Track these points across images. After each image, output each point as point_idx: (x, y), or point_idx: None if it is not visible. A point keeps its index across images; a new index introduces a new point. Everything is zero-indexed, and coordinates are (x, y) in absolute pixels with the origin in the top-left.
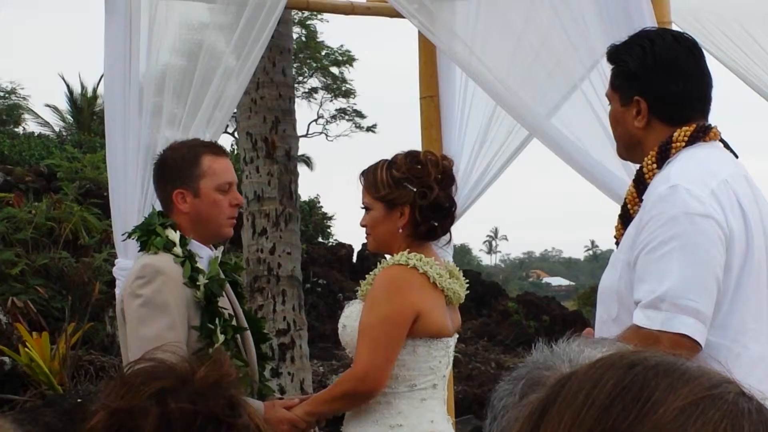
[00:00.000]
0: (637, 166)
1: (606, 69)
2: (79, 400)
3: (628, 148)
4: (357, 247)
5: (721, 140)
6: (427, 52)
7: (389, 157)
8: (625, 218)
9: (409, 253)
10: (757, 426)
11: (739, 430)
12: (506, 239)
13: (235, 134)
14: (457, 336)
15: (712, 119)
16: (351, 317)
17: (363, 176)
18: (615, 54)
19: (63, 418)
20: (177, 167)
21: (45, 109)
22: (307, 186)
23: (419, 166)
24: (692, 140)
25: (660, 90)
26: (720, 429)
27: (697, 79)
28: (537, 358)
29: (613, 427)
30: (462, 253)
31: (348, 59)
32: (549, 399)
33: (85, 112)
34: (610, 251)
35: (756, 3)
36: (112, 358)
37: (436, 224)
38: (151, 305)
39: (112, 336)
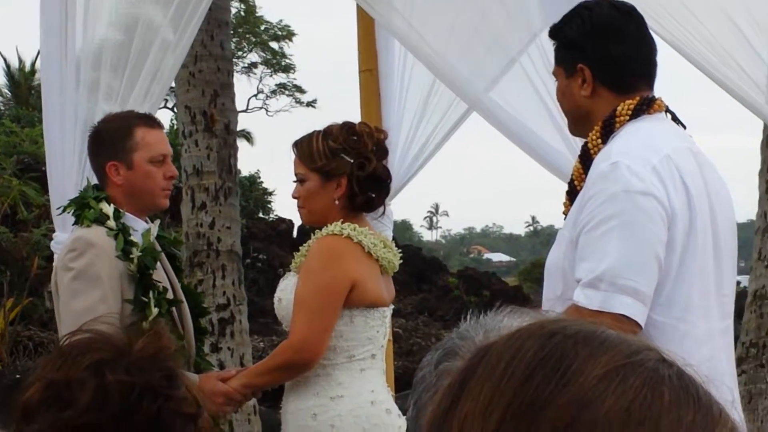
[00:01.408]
0: (580, 142)
1: (545, 44)
2: (17, 376)
3: (577, 122)
4: (297, 222)
5: (668, 111)
6: (366, 25)
7: (323, 128)
8: (572, 194)
9: (343, 223)
10: (678, 392)
11: (659, 396)
12: (447, 215)
13: (175, 109)
14: (392, 306)
15: (662, 95)
16: (286, 290)
17: (296, 147)
18: (555, 29)
19: (2, 394)
20: (110, 139)
21: None
22: (247, 161)
23: (355, 137)
24: (636, 113)
25: (601, 53)
26: (640, 395)
27: (638, 42)
28: (461, 328)
29: (533, 398)
30: (403, 229)
31: (287, 34)
32: (468, 370)
33: (23, 86)
34: (551, 227)
35: None
36: (51, 334)
37: (373, 195)
38: (82, 278)
39: (51, 311)
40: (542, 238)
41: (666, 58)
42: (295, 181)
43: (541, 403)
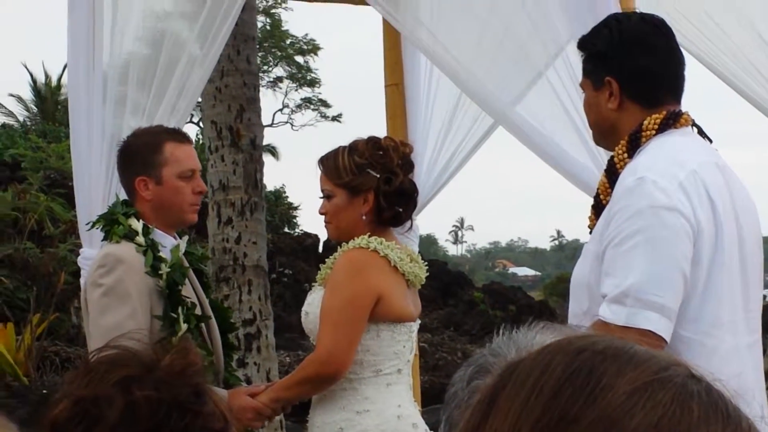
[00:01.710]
0: (608, 155)
1: (571, 57)
2: (44, 392)
3: (603, 134)
4: (323, 237)
5: (695, 125)
6: (392, 39)
7: (348, 143)
8: (598, 208)
9: (370, 236)
10: (707, 407)
11: (688, 412)
12: (472, 229)
13: (200, 123)
14: (419, 321)
15: (689, 110)
16: (313, 304)
17: (322, 163)
18: (583, 41)
19: (29, 409)
20: (139, 154)
21: (9, 98)
22: (272, 176)
23: (381, 152)
24: (663, 128)
25: (629, 66)
26: (669, 412)
27: (666, 55)
28: (493, 344)
29: (562, 413)
30: (428, 244)
31: (313, 48)
32: (498, 386)
33: (49, 101)
34: (576, 241)
35: None
36: (78, 349)
37: (400, 210)
38: (112, 294)
39: (77, 327)
40: (567, 252)
41: (693, 72)
42: (321, 197)
43: (569, 419)
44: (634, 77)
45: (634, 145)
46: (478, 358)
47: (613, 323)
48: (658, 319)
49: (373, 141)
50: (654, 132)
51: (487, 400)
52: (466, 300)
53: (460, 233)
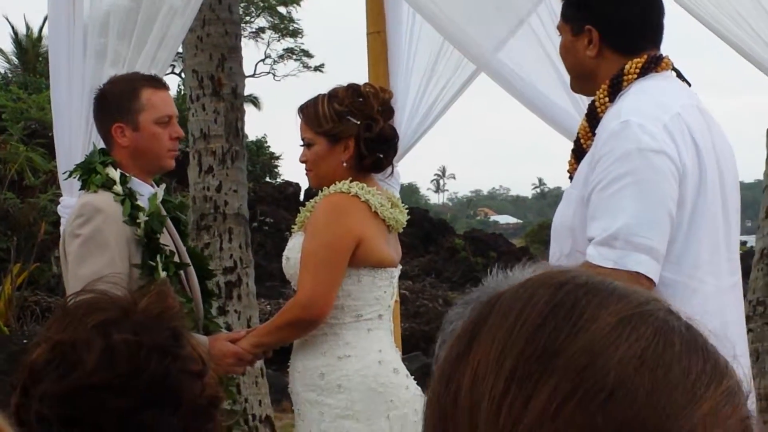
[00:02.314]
0: (588, 100)
1: (553, 3)
2: (24, 341)
3: (580, 80)
4: (304, 186)
5: (674, 69)
6: None
7: (327, 91)
8: (578, 153)
9: (351, 182)
10: (688, 342)
11: (671, 345)
12: (454, 178)
13: (182, 74)
14: (400, 267)
15: (668, 54)
16: (294, 249)
17: (302, 111)
18: None
19: (9, 359)
20: (115, 101)
21: None
22: (254, 126)
23: (361, 99)
24: (644, 71)
25: (610, 16)
26: (652, 344)
27: (647, 5)
28: (489, 283)
29: (545, 346)
30: (409, 192)
31: None
32: (479, 319)
33: (30, 53)
34: (558, 189)
35: None
36: (59, 299)
37: (381, 156)
38: (90, 243)
39: (58, 276)
40: (549, 200)
41: (674, 19)
42: (302, 146)
43: (553, 350)
44: (614, 27)
45: (615, 90)
46: (479, 296)
47: (602, 266)
48: (648, 261)
49: (352, 88)
50: (635, 76)
51: (469, 334)
52: (447, 247)
53: (441, 182)
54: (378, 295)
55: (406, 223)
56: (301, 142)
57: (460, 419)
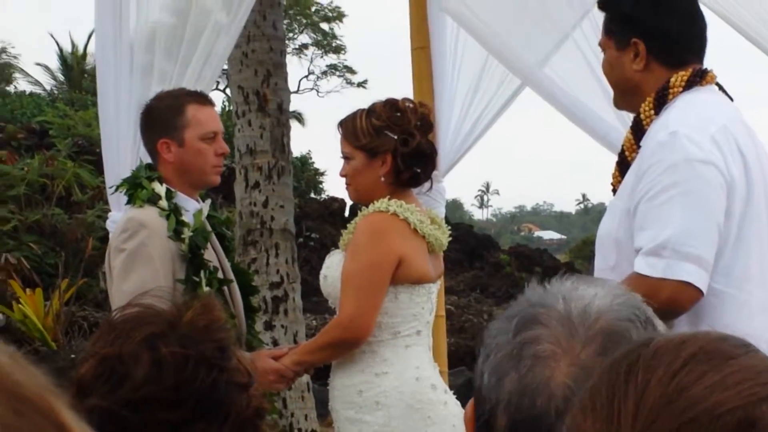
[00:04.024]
0: (632, 115)
1: (597, 17)
2: (72, 356)
3: (625, 95)
4: (349, 202)
5: (717, 84)
6: (418, 2)
7: (366, 106)
8: (623, 165)
9: (389, 200)
10: None
11: None
12: (498, 193)
13: (227, 91)
14: (439, 283)
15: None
16: (332, 267)
17: (341, 126)
18: (606, 1)
19: (58, 374)
20: (162, 117)
21: (36, 68)
22: (299, 142)
23: (398, 114)
24: (689, 85)
25: (657, 29)
26: None
27: (692, 18)
28: (530, 296)
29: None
30: (454, 208)
31: (338, 15)
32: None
33: (76, 70)
34: (602, 204)
35: None
36: (106, 314)
37: (418, 171)
38: (134, 258)
39: (105, 292)
40: (593, 215)
41: (714, 31)
42: (341, 158)
43: None
44: (660, 39)
45: (660, 102)
46: (522, 309)
47: (650, 275)
48: (696, 270)
49: (390, 103)
50: (681, 89)
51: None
52: (492, 263)
53: (485, 197)
54: (416, 312)
55: (447, 244)
56: (341, 156)
57: None
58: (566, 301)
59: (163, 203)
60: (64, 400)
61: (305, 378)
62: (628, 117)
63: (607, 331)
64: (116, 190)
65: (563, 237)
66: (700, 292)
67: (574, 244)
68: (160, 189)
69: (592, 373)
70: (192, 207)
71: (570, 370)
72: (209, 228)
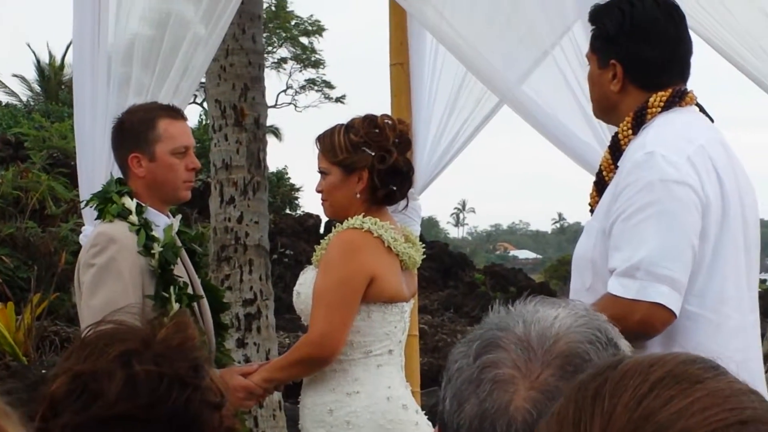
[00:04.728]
0: (611, 133)
1: (577, 36)
2: (44, 371)
3: (603, 110)
4: (325, 218)
5: (697, 105)
6: (398, 18)
7: (346, 121)
8: (600, 185)
9: (364, 217)
10: None
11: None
12: (474, 212)
13: (204, 104)
14: (412, 301)
15: (693, 90)
16: (305, 284)
17: (319, 141)
18: (595, 15)
19: (28, 390)
20: (133, 131)
21: (12, 79)
22: (275, 157)
23: (377, 130)
24: (668, 105)
25: (635, 55)
26: None
27: (675, 45)
28: (492, 319)
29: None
30: (429, 226)
31: (317, 29)
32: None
33: (53, 81)
34: (578, 224)
35: None
36: (78, 329)
37: (394, 188)
38: (103, 273)
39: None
40: (569, 235)
41: (698, 52)
42: (318, 173)
43: None
44: (639, 65)
45: (639, 122)
46: (483, 332)
47: (623, 297)
48: (669, 292)
49: (369, 119)
50: (659, 109)
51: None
52: (467, 282)
53: (461, 216)
54: (388, 331)
55: (420, 262)
56: (318, 171)
57: None
58: (526, 324)
59: (134, 218)
60: (14, 419)
61: (277, 396)
62: (606, 136)
63: (566, 353)
64: (86, 204)
65: (539, 256)
66: (672, 314)
67: (550, 264)
68: (131, 204)
69: (552, 396)
70: (162, 222)
71: (529, 394)
72: (179, 243)
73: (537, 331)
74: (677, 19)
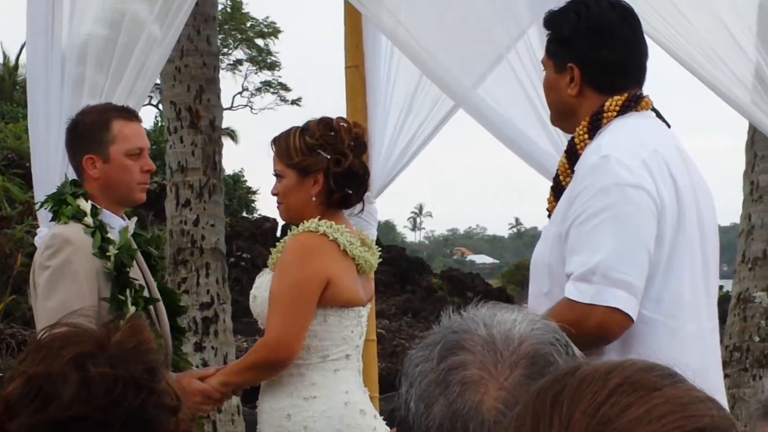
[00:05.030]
0: (567, 137)
1: (532, 40)
2: (0, 375)
3: (560, 116)
4: (281, 221)
5: (653, 109)
6: (353, 20)
7: (301, 124)
8: (557, 190)
9: (319, 220)
10: None
11: None
12: (431, 216)
13: (160, 106)
14: (369, 306)
15: (649, 94)
16: (261, 288)
17: (274, 143)
18: (550, 20)
19: None
20: (87, 132)
21: None
22: (231, 160)
23: (332, 133)
24: (624, 110)
25: (592, 57)
26: None
27: (631, 47)
28: (449, 323)
29: None
30: (386, 230)
31: (273, 31)
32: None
33: (7, 81)
34: (535, 229)
35: None
36: (34, 332)
37: (350, 192)
38: (58, 275)
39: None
40: (526, 239)
41: (651, 57)
42: (274, 176)
43: None
44: (596, 67)
45: (595, 126)
46: (444, 336)
47: (580, 301)
48: (626, 296)
49: (324, 122)
50: (615, 114)
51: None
52: (424, 286)
53: (418, 220)
54: (345, 335)
55: (377, 265)
56: (273, 174)
57: None
58: (488, 326)
59: (89, 220)
60: None
61: (235, 401)
62: (562, 141)
63: (531, 353)
64: (41, 206)
65: (496, 261)
66: (629, 318)
67: (507, 269)
68: (86, 205)
69: (521, 396)
70: (118, 224)
71: (499, 394)
72: (135, 246)
73: (500, 333)
74: (633, 23)
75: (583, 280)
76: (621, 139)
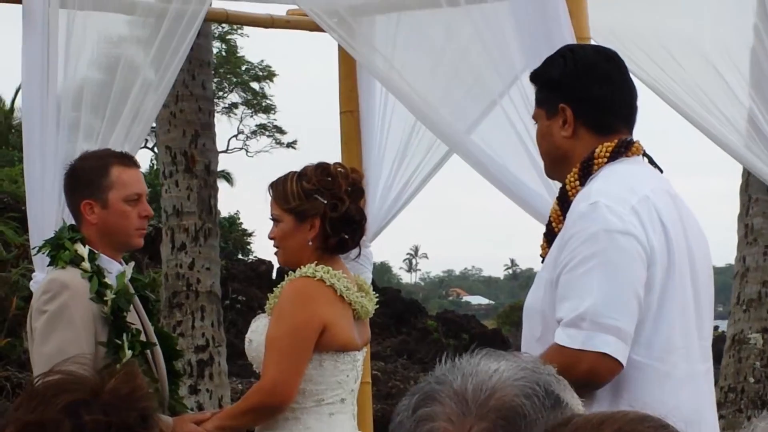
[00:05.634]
0: (560, 184)
1: (526, 86)
2: None
3: (554, 164)
4: (277, 264)
5: (645, 155)
6: (347, 66)
7: (299, 169)
8: (550, 236)
9: (317, 265)
10: None
11: None
12: (426, 257)
13: (155, 149)
14: (365, 350)
15: (639, 138)
16: (257, 332)
17: (272, 188)
18: (536, 72)
19: None
20: (86, 178)
21: None
22: (227, 202)
23: (329, 178)
24: (614, 156)
25: (583, 93)
26: None
27: (619, 85)
28: (436, 372)
29: None
30: (382, 272)
31: (268, 74)
32: None
33: (2, 125)
34: (530, 270)
35: (675, 21)
36: (29, 375)
37: (346, 237)
38: (55, 320)
39: (28, 352)
40: (521, 281)
41: (644, 102)
42: (271, 220)
43: None
44: (587, 104)
45: (585, 173)
46: (423, 386)
47: (569, 347)
48: (615, 342)
49: (322, 167)
50: (606, 160)
51: None
52: (420, 328)
53: (414, 261)
54: (340, 379)
55: (373, 311)
56: (270, 218)
57: None
58: (464, 377)
59: (86, 265)
60: None
61: None
62: (555, 185)
63: (499, 407)
64: (39, 251)
65: (491, 302)
66: (619, 364)
67: (502, 310)
68: (83, 250)
69: None
70: (115, 269)
71: None
72: (132, 290)
73: (473, 384)
74: (618, 63)
75: (572, 326)
76: (611, 185)
